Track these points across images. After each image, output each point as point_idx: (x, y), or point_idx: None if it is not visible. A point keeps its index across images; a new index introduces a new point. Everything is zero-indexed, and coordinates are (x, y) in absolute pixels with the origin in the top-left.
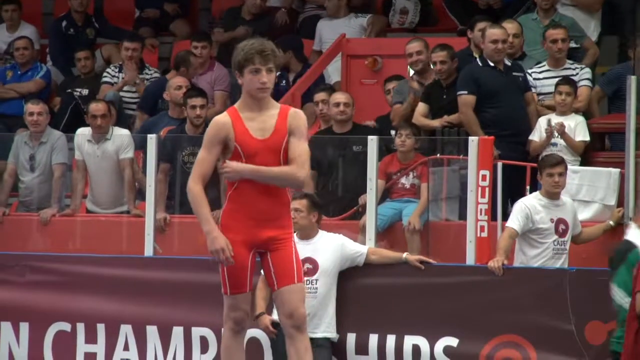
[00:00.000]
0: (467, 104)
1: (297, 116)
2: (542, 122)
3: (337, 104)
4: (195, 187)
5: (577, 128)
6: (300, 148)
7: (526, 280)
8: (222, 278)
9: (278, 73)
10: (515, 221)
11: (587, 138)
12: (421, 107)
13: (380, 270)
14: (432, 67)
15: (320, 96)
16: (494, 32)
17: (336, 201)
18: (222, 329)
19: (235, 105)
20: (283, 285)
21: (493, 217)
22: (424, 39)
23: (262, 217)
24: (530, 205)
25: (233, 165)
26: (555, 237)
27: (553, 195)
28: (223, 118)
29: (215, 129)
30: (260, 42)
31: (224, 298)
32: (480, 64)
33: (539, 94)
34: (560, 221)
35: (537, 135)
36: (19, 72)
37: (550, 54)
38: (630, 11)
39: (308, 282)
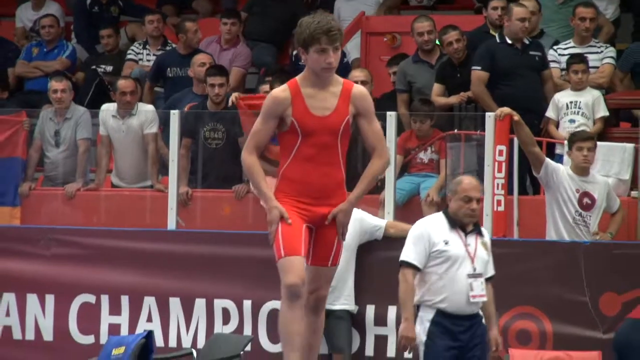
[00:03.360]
0: (480, 79)
1: (362, 96)
2: (557, 97)
3: (356, 82)
4: (249, 158)
5: (595, 103)
6: (376, 132)
7: (542, 253)
8: (276, 244)
9: (295, 52)
10: (550, 162)
11: (607, 113)
12: (437, 87)
13: (399, 243)
14: (442, 47)
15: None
16: (520, 10)
17: (357, 176)
18: (281, 302)
19: (297, 79)
20: (316, 264)
21: (509, 192)
22: (431, 17)
23: (316, 195)
24: (562, 169)
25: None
26: (578, 208)
27: (582, 171)
28: (282, 93)
29: (274, 103)
30: (327, 21)
31: (278, 266)
32: (498, 41)
33: (562, 69)
34: (585, 194)
35: (552, 111)
36: (45, 50)
37: (577, 32)
38: None
39: None
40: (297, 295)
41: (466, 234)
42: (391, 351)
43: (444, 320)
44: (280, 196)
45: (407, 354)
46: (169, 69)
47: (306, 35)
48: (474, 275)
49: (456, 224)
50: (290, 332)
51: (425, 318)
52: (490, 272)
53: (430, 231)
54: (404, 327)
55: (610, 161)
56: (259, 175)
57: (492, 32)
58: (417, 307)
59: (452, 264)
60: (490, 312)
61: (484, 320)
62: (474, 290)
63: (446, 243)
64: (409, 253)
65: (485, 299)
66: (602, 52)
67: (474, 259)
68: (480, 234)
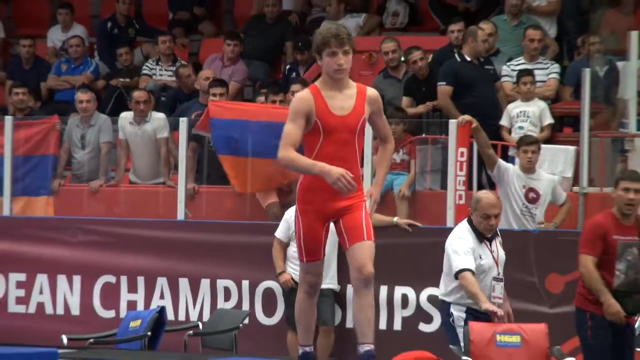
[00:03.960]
0: (445, 92)
1: (376, 97)
2: (510, 107)
3: None
4: (286, 153)
5: (542, 113)
6: (386, 124)
7: None
8: (298, 247)
9: (287, 66)
10: (502, 162)
11: (552, 121)
12: (405, 100)
13: (375, 231)
14: (408, 65)
15: (296, 87)
16: (483, 33)
17: None
18: (297, 291)
19: (317, 84)
20: (353, 242)
21: (470, 187)
22: (396, 38)
23: (328, 192)
24: (511, 168)
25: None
26: (525, 202)
27: (528, 170)
28: (306, 94)
29: (299, 103)
30: (336, 27)
31: (300, 265)
32: (458, 59)
33: (514, 83)
34: (530, 190)
35: (505, 119)
36: (72, 66)
37: (527, 51)
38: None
39: None
40: (315, 288)
41: (490, 241)
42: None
43: (473, 313)
44: (304, 195)
45: (381, 326)
46: (178, 103)
47: (318, 41)
48: (498, 279)
49: (481, 235)
50: (307, 317)
51: (458, 315)
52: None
53: (465, 243)
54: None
55: (556, 161)
56: (300, 159)
57: (455, 53)
58: (449, 304)
59: (485, 274)
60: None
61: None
62: (495, 292)
63: (480, 257)
64: (466, 261)
65: (501, 301)
66: (548, 68)
67: (498, 264)
68: (497, 234)
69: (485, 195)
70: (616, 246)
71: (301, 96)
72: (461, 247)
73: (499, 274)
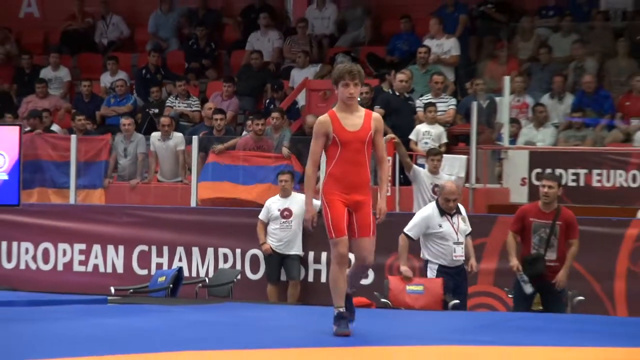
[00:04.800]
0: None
1: (378, 119)
2: (418, 127)
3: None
4: (309, 168)
5: (441, 135)
6: (383, 145)
7: (409, 218)
8: (327, 227)
9: (267, 100)
10: (416, 167)
11: (447, 140)
12: None
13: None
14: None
15: (275, 114)
16: (404, 76)
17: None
18: (331, 265)
19: (334, 109)
20: (361, 236)
21: (394, 184)
22: None
23: (352, 186)
24: (422, 171)
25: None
26: (431, 193)
27: (433, 172)
28: (324, 118)
29: (319, 125)
30: (350, 65)
31: (331, 242)
32: (390, 93)
33: (423, 111)
34: (436, 186)
35: (414, 135)
36: (118, 100)
37: (433, 89)
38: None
39: (286, 222)
40: (345, 259)
41: (451, 216)
42: (323, 279)
43: (444, 271)
44: (328, 189)
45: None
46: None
47: (336, 75)
48: (457, 243)
49: (444, 212)
50: (339, 286)
51: (433, 269)
52: (469, 229)
53: (430, 218)
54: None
55: (453, 166)
56: (309, 188)
57: (384, 89)
58: (426, 262)
59: (446, 239)
60: (469, 251)
61: (467, 267)
62: (456, 252)
63: (440, 226)
64: (411, 228)
65: (463, 258)
66: (447, 101)
67: (457, 232)
68: (459, 212)
69: (448, 185)
70: (532, 226)
71: (321, 120)
72: (417, 218)
73: (458, 239)
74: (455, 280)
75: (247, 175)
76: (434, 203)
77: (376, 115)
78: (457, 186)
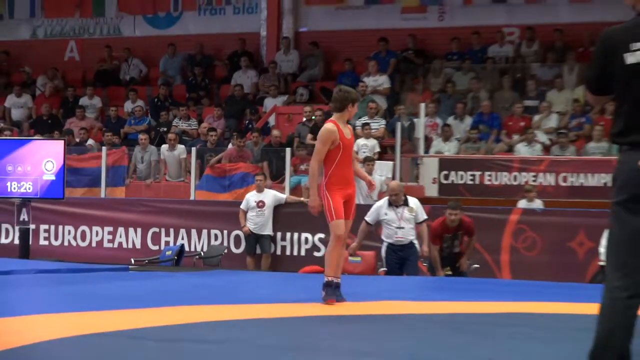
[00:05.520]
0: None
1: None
2: (358, 142)
3: (277, 136)
4: (316, 165)
5: (375, 146)
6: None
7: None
8: (328, 211)
9: (247, 122)
10: None
11: (379, 150)
12: (310, 137)
13: (290, 205)
14: (312, 119)
15: (254, 135)
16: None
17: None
18: (329, 242)
19: (334, 120)
20: (349, 218)
21: None
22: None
23: (347, 182)
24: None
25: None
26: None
27: (370, 174)
28: (332, 127)
29: (330, 133)
30: (357, 92)
31: (332, 224)
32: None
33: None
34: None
35: (355, 147)
36: (137, 121)
37: (369, 113)
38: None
39: (260, 210)
40: (342, 239)
41: (397, 207)
42: (288, 252)
43: (391, 248)
44: (332, 186)
45: (302, 253)
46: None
47: (352, 97)
48: (399, 228)
49: (392, 204)
50: (338, 261)
51: (384, 246)
52: (422, 218)
53: (380, 208)
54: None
55: (383, 169)
56: (314, 180)
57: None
58: (382, 241)
59: (390, 224)
60: (422, 237)
61: (417, 245)
62: (398, 234)
63: (386, 214)
64: (369, 215)
65: (405, 239)
66: (379, 122)
67: (401, 220)
68: (407, 205)
69: (392, 184)
70: (443, 236)
71: (331, 129)
72: (373, 207)
73: (400, 225)
74: (399, 255)
75: (231, 183)
76: (387, 197)
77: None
78: (399, 185)
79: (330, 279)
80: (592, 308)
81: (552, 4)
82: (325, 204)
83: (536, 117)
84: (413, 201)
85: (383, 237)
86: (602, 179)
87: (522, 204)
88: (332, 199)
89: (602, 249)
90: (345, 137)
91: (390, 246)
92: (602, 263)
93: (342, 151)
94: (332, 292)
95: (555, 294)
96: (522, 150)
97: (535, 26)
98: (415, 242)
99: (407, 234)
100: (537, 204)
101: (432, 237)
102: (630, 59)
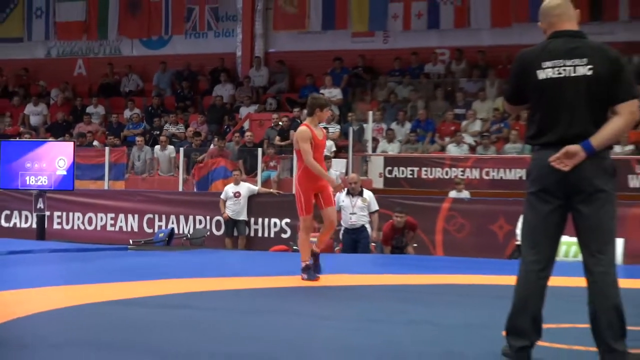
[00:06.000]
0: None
1: (327, 133)
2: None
3: (250, 138)
4: (311, 160)
5: (331, 147)
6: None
7: None
8: (299, 205)
9: (226, 127)
10: None
11: (335, 149)
12: (278, 138)
13: (262, 195)
14: (278, 124)
15: (235, 137)
16: (328, 112)
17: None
18: (299, 232)
19: (307, 123)
20: (327, 206)
21: None
22: (274, 114)
23: (318, 178)
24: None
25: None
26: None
27: (328, 169)
28: (306, 128)
29: (306, 133)
30: (326, 98)
31: (301, 218)
32: (299, 122)
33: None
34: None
35: None
36: (134, 125)
37: (327, 120)
38: (347, 104)
39: (237, 200)
40: (310, 229)
41: (353, 196)
42: (261, 234)
43: (346, 231)
44: (304, 180)
45: (271, 235)
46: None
47: (322, 102)
48: (352, 213)
49: (350, 193)
50: (307, 246)
51: (342, 229)
52: (374, 208)
53: (340, 196)
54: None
55: (338, 165)
56: (319, 170)
57: (297, 119)
58: (341, 226)
59: (346, 211)
60: (374, 224)
61: (369, 230)
62: (351, 219)
63: (343, 201)
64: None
65: (357, 223)
66: (335, 127)
67: (354, 207)
68: (362, 195)
69: (352, 175)
70: (394, 237)
71: (305, 129)
72: (337, 197)
73: (353, 211)
74: (353, 237)
75: (212, 178)
76: (346, 187)
77: (326, 130)
78: (357, 176)
79: (305, 263)
80: (510, 279)
81: (476, 29)
82: (297, 197)
83: (464, 123)
84: (368, 193)
85: (341, 222)
86: (517, 174)
87: (453, 194)
88: (303, 195)
89: (518, 231)
90: (317, 137)
91: (346, 230)
92: (518, 242)
93: (314, 150)
94: (311, 274)
95: (479, 268)
96: (452, 149)
97: (462, 48)
98: (368, 226)
99: (359, 220)
100: (465, 194)
101: (384, 240)
102: (541, 75)
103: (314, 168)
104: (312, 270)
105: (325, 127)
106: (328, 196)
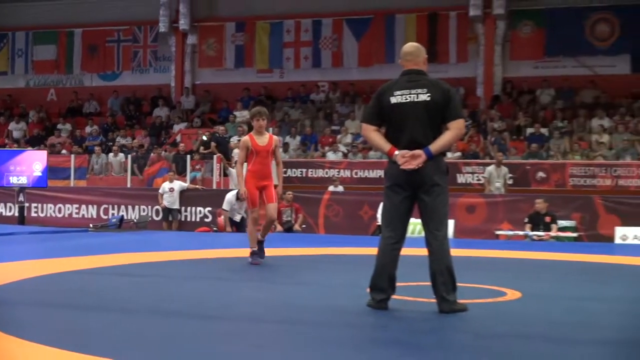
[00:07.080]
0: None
1: (277, 140)
2: (235, 151)
3: (181, 148)
4: (239, 167)
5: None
6: (279, 155)
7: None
8: (247, 202)
9: (163, 139)
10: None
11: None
12: (201, 147)
13: (190, 190)
14: (204, 138)
15: (169, 147)
16: (262, 122)
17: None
18: (247, 223)
19: (252, 133)
20: (268, 202)
21: (221, 175)
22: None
23: (261, 177)
24: (233, 171)
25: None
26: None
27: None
28: (246, 138)
29: (243, 142)
30: (260, 108)
31: (249, 211)
32: (218, 136)
33: (236, 142)
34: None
35: (235, 154)
36: (94, 138)
37: (239, 133)
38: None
39: (171, 193)
40: (257, 221)
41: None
42: (189, 219)
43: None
44: (249, 179)
45: (189, 220)
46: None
47: (253, 113)
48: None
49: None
50: (253, 236)
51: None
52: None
53: (232, 197)
54: None
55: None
56: (240, 175)
57: (216, 134)
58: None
59: (239, 211)
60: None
61: None
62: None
63: (234, 204)
64: (225, 204)
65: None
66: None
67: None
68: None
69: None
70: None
71: (244, 139)
72: (226, 199)
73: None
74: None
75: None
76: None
77: (276, 137)
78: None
79: (252, 249)
80: (372, 251)
81: (347, 68)
82: (247, 195)
83: (339, 136)
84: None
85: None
86: (378, 173)
87: (331, 188)
88: (249, 191)
89: (379, 215)
90: (258, 144)
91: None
92: (378, 223)
93: (256, 154)
94: (255, 258)
95: (350, 243)
96: (330, 155)
97: (337, 82)
98: None
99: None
100: (340, 188)
101: (279, 218)
102: (393, 100)
103: (238, 173)
104: (257, 255)
105: (238, 139)
106: (269, 194)
